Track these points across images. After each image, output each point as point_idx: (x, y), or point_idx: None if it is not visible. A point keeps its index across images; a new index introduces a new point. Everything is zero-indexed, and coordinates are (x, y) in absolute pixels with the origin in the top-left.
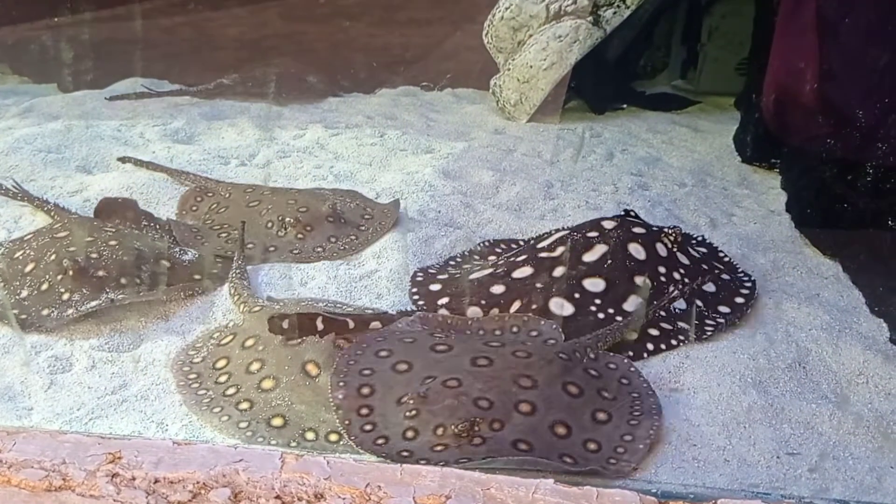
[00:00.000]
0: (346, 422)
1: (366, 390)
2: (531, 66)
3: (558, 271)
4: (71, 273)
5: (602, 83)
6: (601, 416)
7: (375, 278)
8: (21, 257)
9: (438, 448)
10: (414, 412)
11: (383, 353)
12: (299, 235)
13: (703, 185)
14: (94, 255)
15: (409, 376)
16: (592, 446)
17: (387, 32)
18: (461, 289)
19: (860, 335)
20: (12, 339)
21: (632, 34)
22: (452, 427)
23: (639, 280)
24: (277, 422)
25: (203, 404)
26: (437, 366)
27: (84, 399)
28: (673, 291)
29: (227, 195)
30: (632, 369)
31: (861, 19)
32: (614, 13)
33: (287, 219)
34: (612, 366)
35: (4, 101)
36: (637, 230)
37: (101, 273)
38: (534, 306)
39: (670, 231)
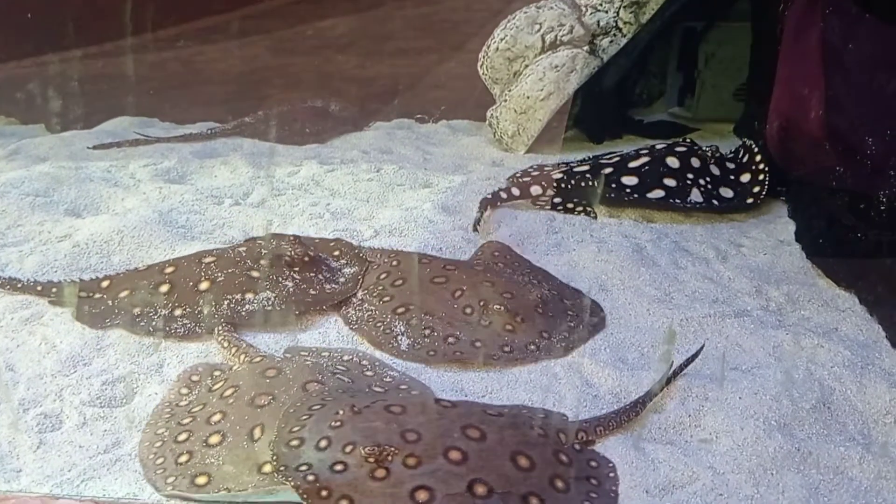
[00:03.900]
0: None
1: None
2: (528, 97)
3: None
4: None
5: (599, 112)
6: (534, 500)
7: None
8: None
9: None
10: None
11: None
12: (508, 327)
13: (707, 216)
14: None
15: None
16: None
17: (377, 63)
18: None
19: (884, 371)
20: None
21: (628, 62)
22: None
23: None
24: (201, 480)
25: (152, 450)
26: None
27: (75, 459)
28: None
29: (396, 263)
30: (611, 475)
31: (866, 45)
32: (611, 42)
33: (494, 305)
34: (592, 463)
35: None
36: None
37: None
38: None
39: (707, 148)
